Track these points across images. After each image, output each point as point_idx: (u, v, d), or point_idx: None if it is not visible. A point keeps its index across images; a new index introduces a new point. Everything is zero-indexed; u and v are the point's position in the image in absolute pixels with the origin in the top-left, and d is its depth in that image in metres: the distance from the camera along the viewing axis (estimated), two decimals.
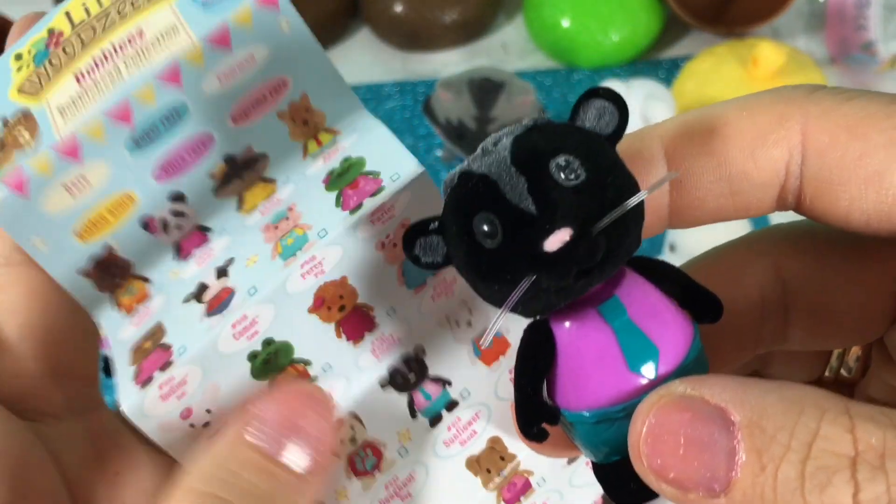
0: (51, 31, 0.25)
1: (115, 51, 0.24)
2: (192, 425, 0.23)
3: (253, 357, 0.24)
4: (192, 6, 0.24)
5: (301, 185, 0.25)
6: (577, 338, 0.19)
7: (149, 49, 0.24)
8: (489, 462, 0.26)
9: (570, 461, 0.26)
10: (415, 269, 0.24)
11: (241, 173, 0.25)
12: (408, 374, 0.25)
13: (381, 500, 0.25)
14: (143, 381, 0.22)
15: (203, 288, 0.24)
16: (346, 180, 0.24)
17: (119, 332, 0.25)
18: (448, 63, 0.78)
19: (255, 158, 0.25)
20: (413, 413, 0.25)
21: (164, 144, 0.24)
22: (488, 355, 0.25)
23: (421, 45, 0.79)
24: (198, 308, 0.24)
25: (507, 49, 0.79)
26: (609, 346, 0.19)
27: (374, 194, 0.23)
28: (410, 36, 0.78)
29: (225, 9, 0.23)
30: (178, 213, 0.25)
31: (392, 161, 0.24)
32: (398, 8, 0.76)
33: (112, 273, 0.25)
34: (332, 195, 0.24)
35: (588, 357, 0.19)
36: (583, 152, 0.18)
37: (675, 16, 0.76)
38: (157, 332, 0.24)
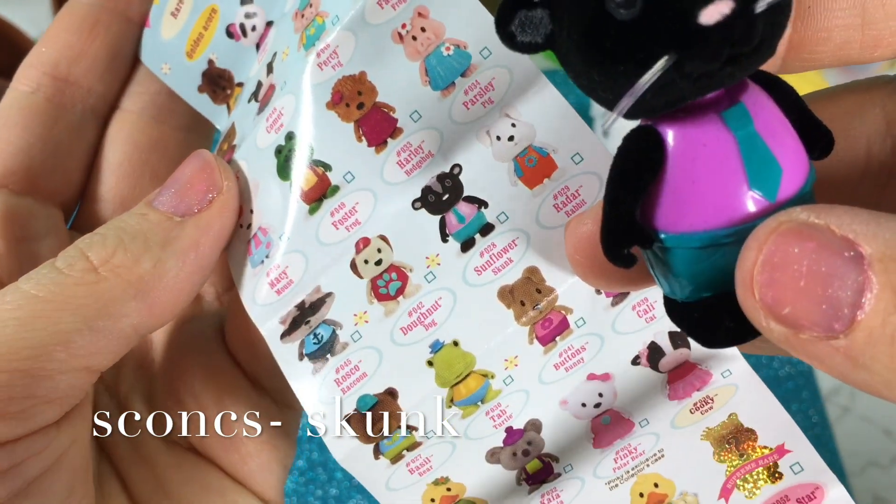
0: None
1: None
2: (240, 225, 0.25)
3: (278, 152, 0.23)
4: None
5: None
6: (692, 146, 0.16)
7: None
8: (524, 293, 0.23)
9: (615, 302, 0.23)
10: (440, 67, 0.22)
11: None
12: (441, 194, 0.23)
13: (402, 327, 0.23)
14: None
15: (259, 86, 0.25)
16: None
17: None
18: None
19: None
20: (444, 236, 0.23)
21: None
22: (532, 177, 0.23)
23: None
24: (254, 107, 0.25)
25: None
26: (729, 157, 0.16)
27: None
28: None
29: None
30: (249, 15, 0.27)
31: None
32: None
33: (221, 85, 0.28)
34: None
35: (703, 169, 0.16)
36: None
37: None
38: (231, 133, 0.26)
